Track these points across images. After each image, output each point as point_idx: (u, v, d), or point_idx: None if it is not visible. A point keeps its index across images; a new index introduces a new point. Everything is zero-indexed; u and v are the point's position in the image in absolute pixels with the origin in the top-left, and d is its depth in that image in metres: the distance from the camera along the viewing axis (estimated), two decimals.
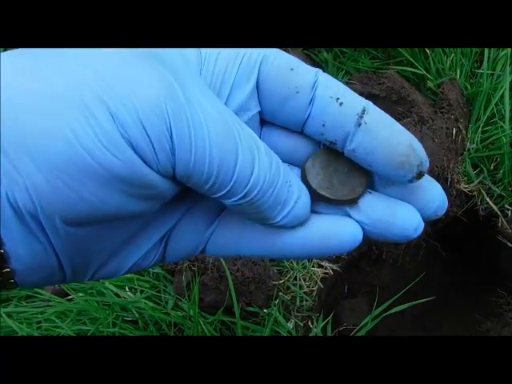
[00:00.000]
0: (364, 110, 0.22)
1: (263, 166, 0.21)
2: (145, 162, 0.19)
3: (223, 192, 0.20)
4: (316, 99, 0.22)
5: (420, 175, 0.22)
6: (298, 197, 0.22)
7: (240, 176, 0.20)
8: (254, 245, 0.24)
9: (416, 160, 0.22)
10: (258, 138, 0.21)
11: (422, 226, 0.23)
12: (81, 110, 0.18)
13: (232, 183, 0.20)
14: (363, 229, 0.23)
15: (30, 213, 0.19)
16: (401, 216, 0.23)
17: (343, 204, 0.23)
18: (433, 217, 0.23)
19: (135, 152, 0.19)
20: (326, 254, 0.24)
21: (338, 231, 0.23)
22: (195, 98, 0.20)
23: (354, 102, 0.22)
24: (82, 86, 0.18)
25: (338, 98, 0.22)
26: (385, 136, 0.21)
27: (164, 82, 0.19)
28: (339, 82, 0.23)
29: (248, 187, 0.20)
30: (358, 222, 0.23)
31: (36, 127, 0.18)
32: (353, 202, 0.23)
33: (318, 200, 0.24)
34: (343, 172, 0.24)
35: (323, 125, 0.22)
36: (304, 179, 0.24)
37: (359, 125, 0.22)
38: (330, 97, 0.22)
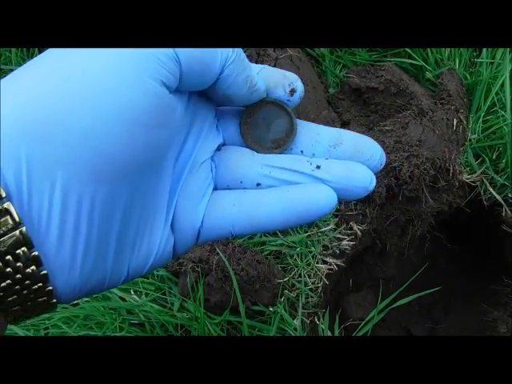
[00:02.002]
0: (262, 67, 0.28)
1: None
2: (161, 83, 0.22)
3: (219, 57, 0.24)
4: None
5: (292, 91, 0.28)
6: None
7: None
8: (242, 220, 0.27)
9: (287, 81, 0.28)
10: None
11: (374, 179, 0.28)
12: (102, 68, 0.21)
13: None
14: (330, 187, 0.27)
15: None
16: (358, 170, 0.28)
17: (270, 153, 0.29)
18: (378, 166, 0.29)
19: (152, 78, 0.22)
20: (307, 219, 0.27)
21: (314, 195, 0.27)
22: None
23: (255, 66, 0.28)
24: (95, 54, 0.22)
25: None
26: (268, 73, 0.28)
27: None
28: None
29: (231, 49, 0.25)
30: (323, 180, 0.27)
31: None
32: (279, 151, 0.29)
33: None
34: (268, 126, 0.29)
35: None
36: (240, 131, 0.29)
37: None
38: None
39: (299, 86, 0.28)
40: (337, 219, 0.72)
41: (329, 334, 0.65)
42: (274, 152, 0.29)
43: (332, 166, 0.28)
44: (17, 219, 0.20)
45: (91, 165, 0.21)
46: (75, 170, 0.21)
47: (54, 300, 0.22)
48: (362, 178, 0.27)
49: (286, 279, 0.65)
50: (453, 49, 0.81)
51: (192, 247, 0.30)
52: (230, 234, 0.27)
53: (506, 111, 0.74)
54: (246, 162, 0.28)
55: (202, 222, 0.27)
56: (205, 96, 0.28)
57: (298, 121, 0.29)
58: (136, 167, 0.22)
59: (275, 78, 0.28)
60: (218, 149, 0.29)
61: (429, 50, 0.80)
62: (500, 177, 0.74)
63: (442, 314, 0.88)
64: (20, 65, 0.81)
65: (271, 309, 0.63)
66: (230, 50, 0.24)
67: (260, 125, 0.29)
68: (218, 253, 0.62)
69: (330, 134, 0.29)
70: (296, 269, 0.67)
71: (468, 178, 0.75)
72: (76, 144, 0.20)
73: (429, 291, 0.67)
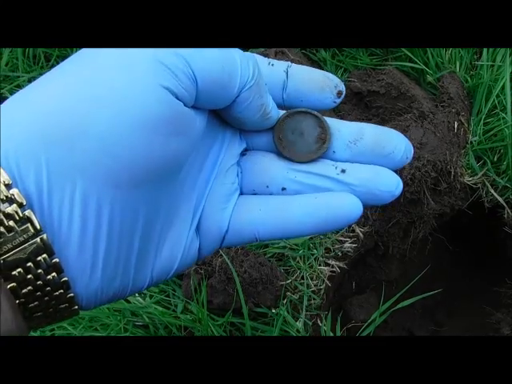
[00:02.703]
0: (288, 66, 0.28)
1: (250, 57, 0.25)
2: (176, 96, 0.22)
3: (238, 81, 0.24)
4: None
5: (340, 94, 0.28)
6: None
7: (242, 62, 0.24)
8: (267, 226, 0.27)
9: (332, 83, 0.28)
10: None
11: (401, 183, 0.27)
12: (120, 77, 0.22)
13: (240, 69, 0.24)
14: (354, 191, 0.27)
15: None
16: (384, 174, 0.27)
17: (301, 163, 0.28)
18: (404, 160, 0.28)
19: (165, 89, 0.22)
20: (333, 226, 0.27)
21: (340, 204, 0.27)
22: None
23: (281, 63, 0.28)
24: (111, 60, 0.22)
25: (269, 63, 0.28)
26: (304, 74, 0.28)
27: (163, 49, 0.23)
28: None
29: (251, 69, 0.25)
30: (348, 184, 0.27)
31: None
32: (307, 162, 0.28)
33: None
34: (302, 136, 0.28)
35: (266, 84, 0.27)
36: (273, 138, 0.29)
37: (287, 75, 0.27)
38: (264, 62, 0.28)
39: (344, 87, 0.28)
40: None
41: (331, 335, 0.65)
42: (313, 159, 0.28)
43: (357, 170, 0.27)
44: (38, 227, 0.20)
45: (109, 171, 0.21)
46: (94, 176, 0.21)
47: (76, 307, 0.23)
48: (388, 183, 0.27)
49: (288, 281, 0.66)
50: (453, 52, 0.81)
51: (216, 250, 0.31)
52: (254, 238, 0.27)
53: (506, 113, 0.75)
54: (272, 166, 0.28)
55: (228, 225, 0.27)
56: None
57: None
58: (154, 174, 0.23)
59: (318, 80, 0.28)
60: (243, 154, 0.29)
61: (429, 53, 0.81)
62: (501, 179, 0.74)
63: (445, 316, 0.88)
64: (27, 72, 0.82)
65: (274, 311, 0.63)
66: (250, 74, 0.24)
67: (293, 138, 0.28)
68: (221, 255, 0.63)
69: (350, 130, 0.28)
70: (298, 271, 0.68)
71: (469, 180, 0.76)
72: (94, 150, 0.21)
73: (431, 293, 0.67)
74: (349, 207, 0.26)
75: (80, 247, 0.21)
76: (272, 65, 0.28)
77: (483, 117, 0.77)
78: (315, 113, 0.28)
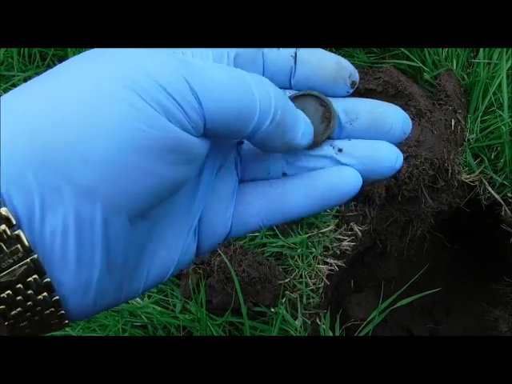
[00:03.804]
0: (296, 49, 0.26)
1: (276, 94, 0.23)
2: (182, 128, 0.21)
3: (255, 121, 0.23)
4: (264, 51, 0.26)
5: (353, 84, 0.26)
6: (302, 115, 0.26)
7: (262, 104, 0.23)
8: (270, 213, 0.27)
9: (345, 72, 0.26)
10: (265, 79, 0.24)
11: (401, 156, 0.26)
12: (119, 103, 0.20)
13: (259, 111, 0.23)
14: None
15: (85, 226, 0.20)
16: (382, 149, 0.26)
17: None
18: (402, 136, 0.27)
19: (170, 121, 0.21)
20: (333, 202, 0.26)
21: (337, 179, 0.26)
22: (204, 62, 0.23)
23: (288, 49, 0.27)
24: (112, 81, 0.21)
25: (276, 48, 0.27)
26: (315, 61, 0.26)
27: (175, 58, 0.22)
28: None
29: (272, 112, 0.23)
30: (347, 163, 0.26)
31: (81, 131, 0.20)
32: (315, 145, 0.27)
33: None
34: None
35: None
36: None
37: (295, 60, 0.26)
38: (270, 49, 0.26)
39: (357, 75, 0.27)
40: (337, 220, 0.72)
41: (330, 334, 0.65)
42: (323, 140, 0.27)
43: (355, 147, 0.26)
44: (27, 247, 0.19)
45: (107, 197, 0.20)
46: (90, 201, 0.20)
47: (66, 321, 0.22)
48: (387, 158, 0.26)
49: (287, 280, 0.66)
50: (450, 50, 0.81)
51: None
52: (259, 226, 0.27)
53: (503, 111, 0.75)
54: (271, 153, 0.27)
55: (231, 221, 0.27)
56: None
57: None
58: (155, 198, 0.22)
59: (330, 68, 0.26)
60: (241, 142, 0.28)
61: (426, 51, 0.81)
62: (499, 176, 0.75)
63: (444, 314, 0.88)
64: (22, 71, 0.81)
65: (273, 310, 0.63)
66: (270, 115, 0.23)
67: None
68: (219, 254, 0.63)
69: (344, 108, 0.27)
70: (297, 270, 0.68)
71: (467, 178, 0.76)
72: (92, 177, 0.20)
73: (430, 292, 0.67)
74: (348, 182, 0.26)
75: (74, 267, 0.21)
76: (278, 49, 0.26)
77: (480, 114, 0.77)
78: (315, 93, 0.27)
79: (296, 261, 0.68)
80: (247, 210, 0.27)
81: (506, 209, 0.75)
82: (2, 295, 0.20)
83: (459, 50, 0.82)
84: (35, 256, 0.20)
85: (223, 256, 0.62)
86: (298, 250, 0.68)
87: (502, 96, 0.76)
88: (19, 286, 0.20)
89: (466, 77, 0.81)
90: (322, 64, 0.26)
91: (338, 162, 0.26)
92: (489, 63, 0.80)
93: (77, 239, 0.20)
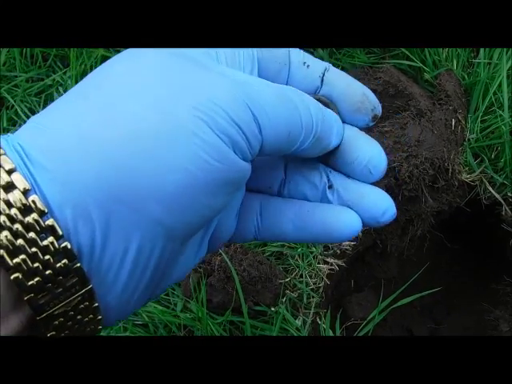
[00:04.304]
0: (325, 69, 0.26)
1: (315, 108, 0.24)
2: (243, 158, 0.21)
3: (301, 139, 0.23)
4: (291, 65, 0.26)
5: (375, 118, 0.26)
6: (334, 116, 0.25)
7: (305, 122, 0.23)
8: (265, 230, 0.27)
9: (370, 105, 0.26)
10: (300, 91, 0.24)
11: (391, 210, 0.25)
12: (193, 137, 0.20)
13: (304, 130, 0.23)
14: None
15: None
16: (370, 198, 0.25)
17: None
18: (375, 178, 0.26)
19: (236, 153, 0.21)
20: (326, 241, 0.26)
21: (336, 221, 0.25)
22: (253, 80, 0.22)
23: (318, 64, 0.26)
24: (180, 108, 0.20)
25: (304, 62, 0.26)
26: (342, 86, 0.26)
27: (228, 77, 0.21)
28: (304, 52, 0.27)
29: (314, 128, 0.23)
30: (330, 201, 0.26)
31: (148, 169, 0.19)
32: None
33: None
34: None
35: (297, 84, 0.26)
36: None
37: (322, 80, 0.26)
38: (298, 62, 0.26)
39: (380, 109, 0.26)
40: None
41: (330, 333, 0.65)
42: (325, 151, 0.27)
43: (346, 188, 0.26)
44: (85, 279, 0.19)
45: (170, 230, 0.20)
46: (153, 231, 0.20)
47: (100, 327, 0.22)
48: (373, 209, 0.25)
49: (287, 279, 0.66)
50: (450, 50, 0.81)
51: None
52: (253, 238, 0.28)
53: (503, 111, 0.75)
54: (272, 166, 0.27)
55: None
56: None
57: None
58: (203, 225, 0.22)
59: (356, 98, 0.25)
60: None
61: (427, 51, 0.81)
62: (499, 176, 0.75)
63: (444, 313, 0.88)
64: (24, 72, 0.81)
65: (273, 309, 0.64)
66: (313, 133, 0.23)
67: None
68: (220, 254, 0.63)
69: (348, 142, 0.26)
70: (297, 269, 0.68)
71: (467, 178, 0.76)
72: (159, 212, 0.20)
73: (430, 291, 0.68)
74: (344, 225, 0.25)
75: (122, 292, 0.21)
76: (308, 66, 0.26)
77: (480, 114, 0.77)
78: (328, 101, 0.26)
79: (296, 260, 0.68)
80: (247, 223, 0.27)
81: (507, 208, 0.75)
82: (55, 323, 0.20)
83: (459, 49, 0.82)
84: (90, 286, 0.20)
85: (224, 255, 0.62)
86: (299, 250, 0.69)
87: (502, 96, 0.76)
88: (71, 313, 0.20)
89: (466, 77, 0.81)
90: (349, 92, 0.26)
91: (325, 197, 0.26)
92: (489, 63, 0.80)
93: (132, 267, 0.20)
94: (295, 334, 0.63)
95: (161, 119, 0.20)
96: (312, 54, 0.85)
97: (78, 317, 0.20)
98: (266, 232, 0.27)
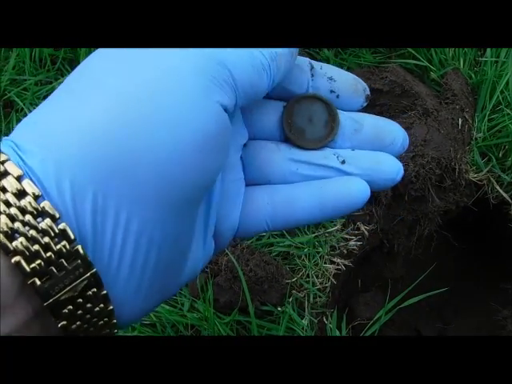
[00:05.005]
0: (309, 61, 0.28)
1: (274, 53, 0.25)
2: (225, 109, 0.22)
3: (267, 80, 0.24)
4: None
5: (368, 98, 0.28)
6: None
7: (271, 64, 0.24)
8: (277, 217, 0.27)
9: (361, 86, 0.28)
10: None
11: (402, 168, 0.27)
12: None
13: (269, 68, 0.24)
14: None
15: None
16: (385, 161, 0.27)
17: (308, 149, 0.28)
18: (400, 151, 0.28)
19: (220, 104, 0.21)
20: (341, 212, 0.27)
21: (346, 190, 0.27)
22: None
23: (301, 58, 0.28)
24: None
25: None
26: (335, 76, 0.28)
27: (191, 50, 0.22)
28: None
29: (276, 64, 0.24)
30: (350, 174, 0.27)
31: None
32: (316, 149, 0.28)
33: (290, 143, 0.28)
34: (311, 122, 0.28)
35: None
36: (282, 123, 0.28)
37: (312, 74, 0.27)
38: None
39: (369, 90, 0.28)
40: (344, 220, 0.72)
41: (337, 333, 0.65)
42: (320, 145, 0.28)
43: (358, 158, 0.27)
44: (87, 262, 0.19)
45: (166, 197, 0.20)
46: (151, 206, 0.20)
47: (116, 330, 0.22)
48: (389, 170, 0.27)
49: (294, 279, 0.66)
50: (457, 49, 0.81)
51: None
52: (264, 229, 0.28)
53: (511, 109, 0.75)
54: (273, 159, 0.28)
55: (238, 223, 0.27)
56: None
57: None
58: (202, 191, 0.22)
59: (350, 84, 0.28)
60: (244, 145, 0.28)
61: (433, 50, 0.81)
62: (507, 175, 0.74)
63: (452, 313, 0.88)
64: (33, 75, 0.82)
65: (280, 309, 0.64)
66: (276, 69, 0.24)
67: (302, 124, 0.28)
68: (226, 254, 0.64)
69: (350, 117, 0.28)
70: (304, 269, 0.68)
71: (474, 177, 0.76)
72: (152, 178, 0.20)
73: (437, 291, 0.67)
74: (356, 192, 0.26)
75: (128, 278, 0.21)
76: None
77: (487, 113, 0.77)
78: (324, 98, 0.27)
79: (303, 260, 0.69)
80: (253, 214, 0.27)
81: None
82: (64, 310, 0.20)
83: (466, 48, 0.81)
84: (94, 270, 0.20)
85: (230, 255, 0.63)
86: (305, 250, 0.69)
87: (509, 94, 0.76)
88: (79, 300, 0.20)
89: (473, 75, 0.80)
90: (342, 79, 0.28)
91: (342, 172, 0.27)
92: (496, 62, 0.80)
93: (135, 246, 0.20)
94: (302, 334, 0.63)
95: (138, 88, 0.20)
96: (317, 53, 0.86)
97: (88, 305, 0.20)
98: (278, 218, 0.27)
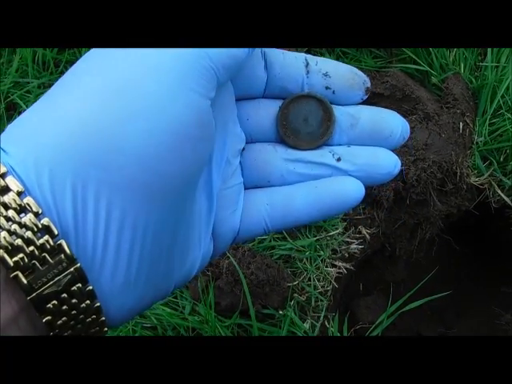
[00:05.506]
0: (306, 58, 0.27)
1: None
2: (207, 98, 0.22)
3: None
4: (267, 56, 0.27)
5: (368, 90, 0.27)
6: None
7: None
8: (276, 218, 0.27)
9: (360, 79, 0.27)
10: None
11: (399, 162, 0.27)
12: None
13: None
14: (353, 176, 0.27)
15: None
16: (381, 156, 0.27)
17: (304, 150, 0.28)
18: (401, 141, 0.27)
19: (198, 93, 0.21)
20: (337, 211, 0.27)
21: (341, 189, 0.27)
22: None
23: (297, 55, 0.27)
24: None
25: (283, 53, 0.27)
26: (331, 70, 0.27)
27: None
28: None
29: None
30: (347, 171, 0.27)
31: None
32: (312, 149, 0.28)
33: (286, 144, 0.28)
34: (306, 122, 0.28)
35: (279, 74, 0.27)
36: (277, 125, 0.28)
37: (307, 70, 0.27)
38: (277, 52, 0.27)
39: (370, 82, 0.28)
40: (345, 223, 0.72)
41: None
42: (316, 145, 0.28)
43: (354, 154, 0.27)
44: (71, 257, 0.19)
45: (146, 186, 0.20)
46: (131, 194, 0.20)
47: (106, 329, 0.22)
48: (386, 164, 0.27)
49: (295, 283, 0.66)
50: (458, 53, 0.81)
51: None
52: (264, 231, 0.28)
53: None
54: (271, 160, 0.28)
55: (239, 225, 0.27)
56: (224, 96, 0.27)
57: None
58: (184, 181, 0.22)
59: (347, 77, 0.27)
60: (243, 149, 0.28)
61: (434, 55, 0.81)
62: (508, 179, 0.74)
63: (454, 317, 0.88)
64: (36, 78, 0.83)
65: (281, 312, 0.64)
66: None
67: (297, 124, 0.28)
68: (228, 257, 0.64)
69: (346, 116, 0.27)
70: (305, 272, 0.68)
71: (476, 181, 0.76)
72: (130, 166, 0.20)
73: (439, 295, 0.67)
74: (350, 192, 0.27)
75: (113, 272, 0.21)
76: (284, 54, 0.27)
77: (488, 117, 0.77)
78: (318, 96, 0.27)
79: (304, 263, 0.69)
80: (253, 216, 0.27)
81: None
82: (48, 305, 0.20)
83: (467, 53, 0.82)
84: (78, 265, 0.20)
85: (232, 258, 0.63)
86: (307, 253, 0.69)
87: (510, 99, 0.76)
88: (64, 295, 0.20)
89: (473, 80, 0.81)
90: (339, 71, 0.27)
91: (338, 170, 0.27)
92: (497, 66, 0.80)
93: (117, 241, 0.20)
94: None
95: (119, 81, 0.20)
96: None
97: (73, 300, 0.20)
98: (277, 219, 0.27)
